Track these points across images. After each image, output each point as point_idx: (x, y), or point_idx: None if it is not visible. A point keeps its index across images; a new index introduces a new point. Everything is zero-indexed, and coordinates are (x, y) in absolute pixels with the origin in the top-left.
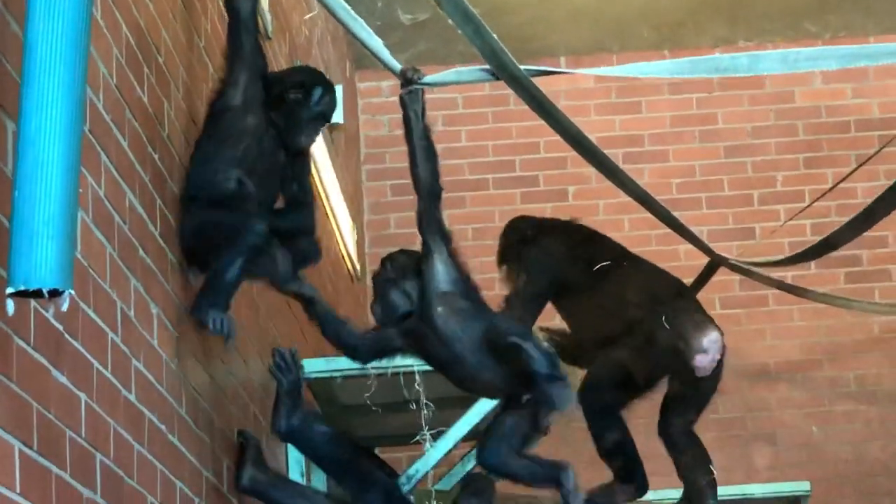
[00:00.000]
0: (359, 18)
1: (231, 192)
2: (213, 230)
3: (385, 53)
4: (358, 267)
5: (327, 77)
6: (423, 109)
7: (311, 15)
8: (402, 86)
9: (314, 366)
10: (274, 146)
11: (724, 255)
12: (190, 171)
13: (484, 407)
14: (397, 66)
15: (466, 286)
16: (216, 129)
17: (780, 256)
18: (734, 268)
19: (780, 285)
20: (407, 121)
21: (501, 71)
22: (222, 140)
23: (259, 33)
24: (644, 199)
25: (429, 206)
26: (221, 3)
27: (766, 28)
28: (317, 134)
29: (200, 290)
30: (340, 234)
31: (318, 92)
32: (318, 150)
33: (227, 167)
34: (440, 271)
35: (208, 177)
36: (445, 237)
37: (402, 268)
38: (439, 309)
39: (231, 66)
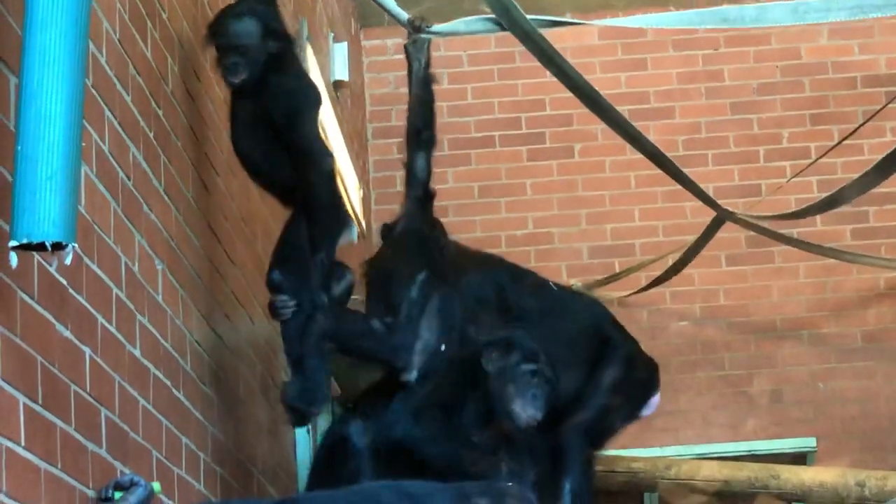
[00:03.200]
0: None
1: None
2: None
3: (391, 3)
4: (364, 225)
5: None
6: (429, 60)
7: None
8: (409, 35)
9: None
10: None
11: (729, 209)
12: None
13: None
14: (404, 15)
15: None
16: None
17: (786, 211)
18: (740, 222)
19: (786, 239)
20: (411, 71)
21: (510, 23)
22: None
23: None
24: (651, 153)
25: (426, 155)
26: None
27: None
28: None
29: None
30: (346, 191)
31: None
32: (323, 107)
33: None
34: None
35: None
36: (427, 182)
37: None
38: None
39: None
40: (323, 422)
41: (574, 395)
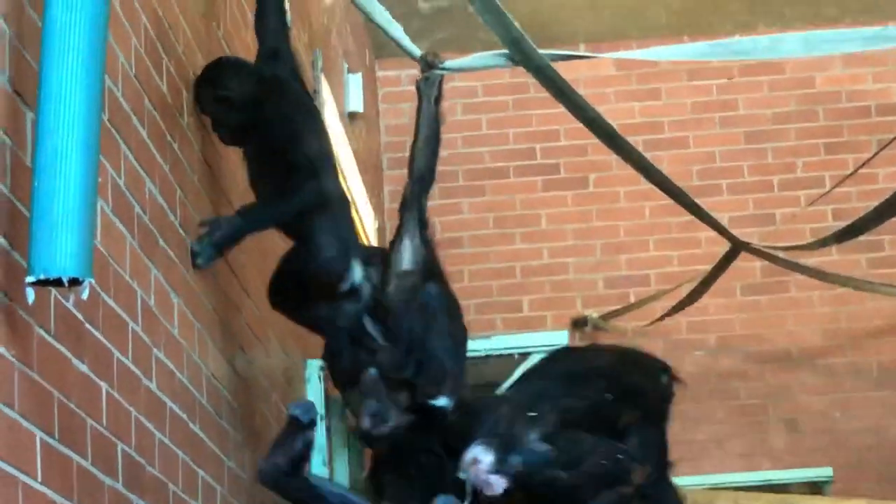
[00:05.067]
0: (378, 5)
1: None
2: None
3: (405, 40)
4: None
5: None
6: (439, 97)
7: (329, 3)
8: (423, 71)
9: None
10: None
11: (744, 240)
12: None
13: None
14: (417, 51)
15: (430, 270)
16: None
17: (801, 242)
18: (755, 252)
19: (802, 269)
20: (420, 106)
21: (522, 58)
22: None
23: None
24: (664, 185)
25: (416, 189)
26: None
27: (785, 13)
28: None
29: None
30: (362, 222)
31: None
32: (338, 137)
33: None
34: (406, 252)
35: None
36: (422, 222)
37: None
38: (392, 285)
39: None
40: (340, 457)
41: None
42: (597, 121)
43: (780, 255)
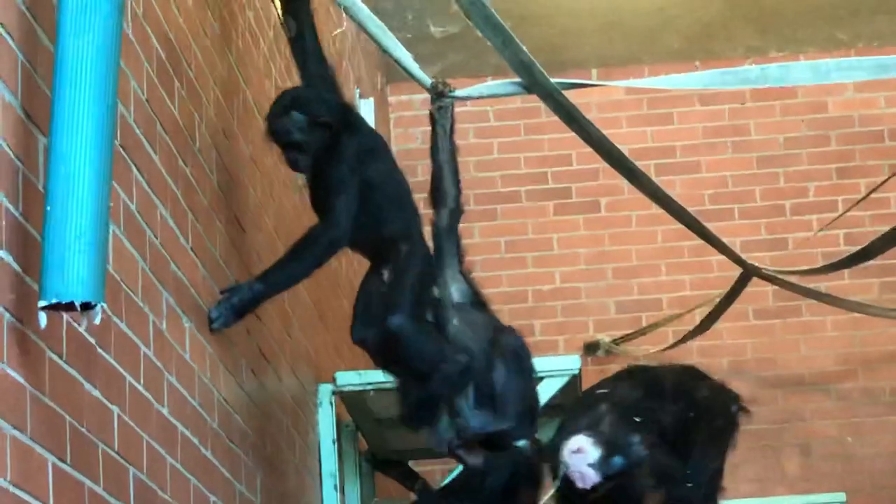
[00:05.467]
0: (388, 32)
1: None
2: None
3: (415, 67)
4: None
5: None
6: (453, 125)
7: (340, 31)
8: (433, 100)
9: (347, 379)
10: None
11: (756, 264)
12: None
13: None
14: (427, 80)
15: (476, 299)
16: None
17: (813, 266)
18: (767, 277)
19: (814, 294)
20: (435, 136)
21: (532, 83)
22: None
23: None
24: (675, 211)
25: (450, 222)
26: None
27: (797, 37)
28: None
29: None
30: None
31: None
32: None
33: None
34: (454, 284)
35: None
36: (460, 254)
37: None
38: (454, 320)
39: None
40: (351, 482)
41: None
42: (607, 146)
43: (793, 280)
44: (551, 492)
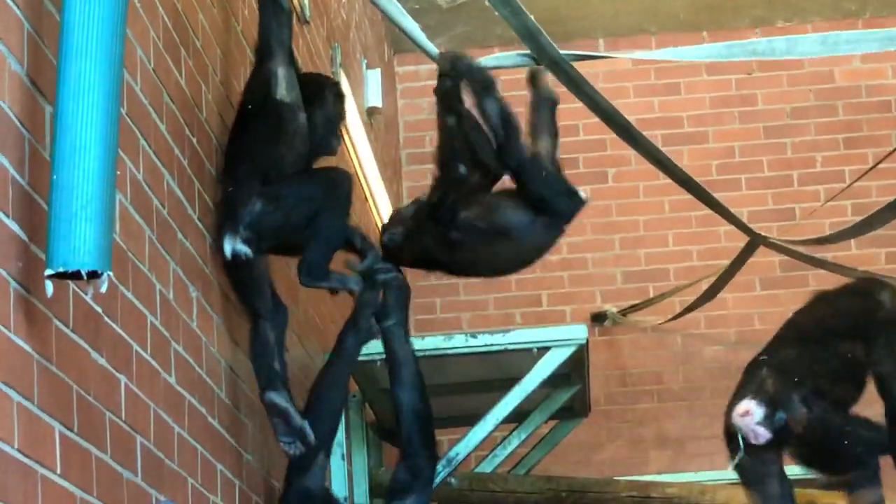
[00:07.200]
0: (395, 1)
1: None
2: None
3: (422, 37)
4: None
5: None
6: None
7: None
8: (441, 74)
9: None
10: (307, 149)
11: (762, 233)
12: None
13: (525, 389)
14: (434, 50)
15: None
16: (281, 123)
17: (819, 235)
18: (774, 246)
19: (820, 263)
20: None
21: (540, 53)
22: (292, 136)
23: (292, 21)
24: (683, 180)
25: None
26: None
27: (804, 7)
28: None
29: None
30: (380, 218)
31: (344, 96)
32: (357, 133)
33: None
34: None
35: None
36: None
37: None
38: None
39: (270, 56)
40: (359, 453)
41: None
42: (614, 118)
43: (800, 249)
44: (738, 456)
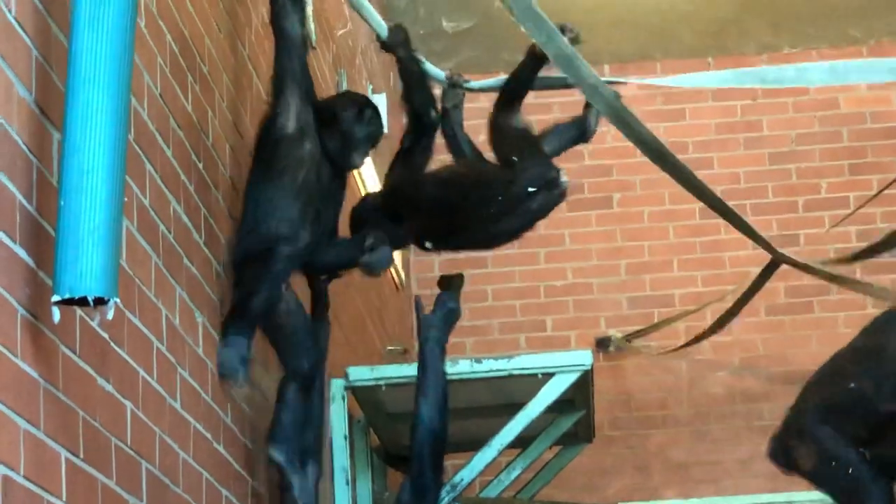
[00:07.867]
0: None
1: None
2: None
3: (428, 64)
4: (402, 275)
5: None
6: (461, 120)
7: (344, 31)
8: (444, 90)
9: (359, 374)
10: (331, 172)
11: (784, 252)
12: (247, 205)
13: (529, 414)
14: (441, 73)
15: None
16: (273, 159)
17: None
18: (796, 265)
19: (844, 280)
20: (453, 133)
21: (577, 78)
22: (281, 171)
23: (307, 53)
24: (714, 204)
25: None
26: (268, 21)
27: (809, 34)
28: (367, 154)
29: (227, 315)
30: None
31: (368, 112)
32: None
33: (288, 202)
34: None
35: (268, 213)
36: None
37: None
38: None
39: (281, 90)
40: (363, 478)
41: None
42: (649, 143)
43: (820, 267)
44: None
